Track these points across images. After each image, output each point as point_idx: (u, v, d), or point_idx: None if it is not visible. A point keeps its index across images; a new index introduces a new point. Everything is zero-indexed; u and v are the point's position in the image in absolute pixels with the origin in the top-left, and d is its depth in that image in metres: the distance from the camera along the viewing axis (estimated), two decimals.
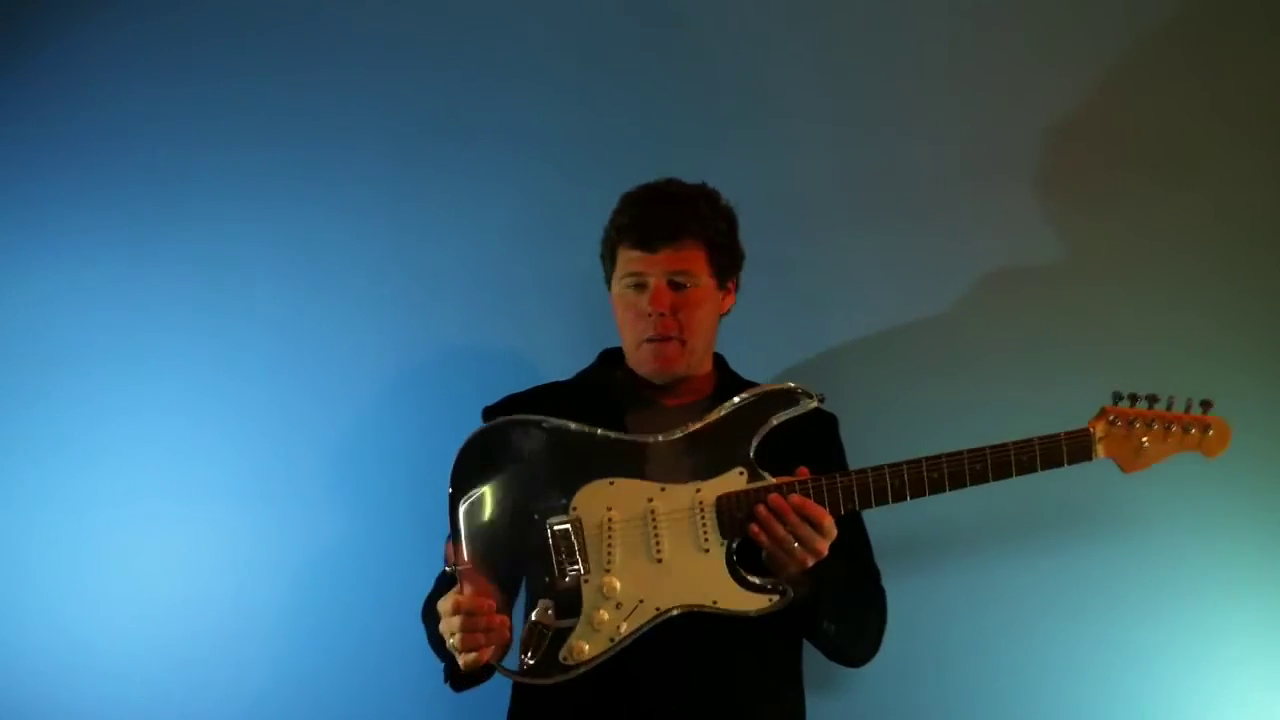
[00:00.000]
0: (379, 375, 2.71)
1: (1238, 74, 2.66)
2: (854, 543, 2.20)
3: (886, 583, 2.26)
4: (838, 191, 2.70)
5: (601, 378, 2.28)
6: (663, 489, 2.07)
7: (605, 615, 2.04)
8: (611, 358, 2.31)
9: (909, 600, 2.35)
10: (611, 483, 2.08)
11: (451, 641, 2.02)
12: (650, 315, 2.14)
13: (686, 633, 2.07)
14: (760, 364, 2.42)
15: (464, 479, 2.09)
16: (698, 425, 2.08)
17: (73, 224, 2.71)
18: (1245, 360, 2.61)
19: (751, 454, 2.06)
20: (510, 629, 2.06)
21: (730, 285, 2.24)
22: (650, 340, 2.16)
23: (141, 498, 2.69)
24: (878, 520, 2.23)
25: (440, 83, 2.75)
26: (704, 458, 2.07)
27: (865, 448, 2.28)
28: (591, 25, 2.75)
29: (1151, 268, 2.65)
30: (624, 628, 2.05)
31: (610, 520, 2.06)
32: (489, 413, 2.24)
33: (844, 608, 2.13)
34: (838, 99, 2.72)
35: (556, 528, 2.06)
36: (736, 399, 2.08)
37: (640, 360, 2.19)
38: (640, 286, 2.16)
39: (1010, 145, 2.68)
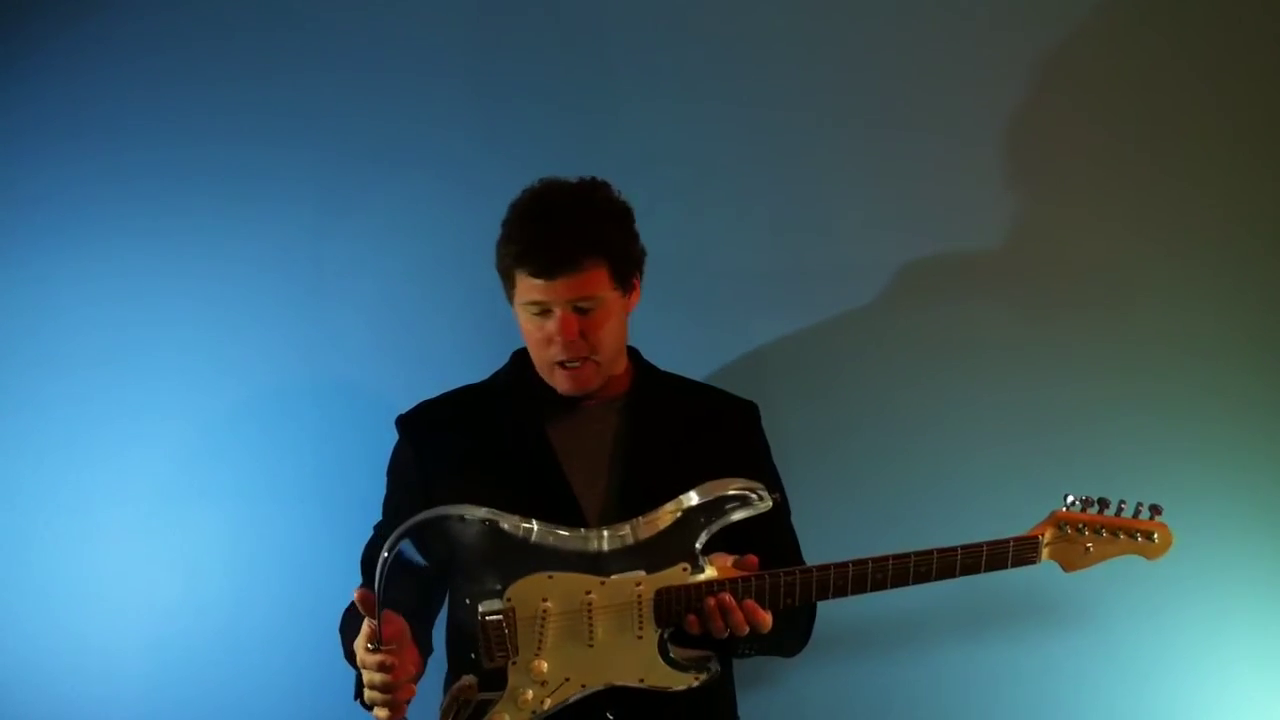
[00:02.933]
0: (381, 375, 2.71)
1: (1238, 71, 2.66)
2: (779, 539, 2.18)
3: None
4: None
5: (517, 381, 2.24)
6: (603, 583, 2.03)
7: (530, 694, 2.02)
8: (525, 358, 2.24)
9: None
10: (550, 576, 2.03)
11: (370, 694, 1.97)
12: (558, 342, 2.10)
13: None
14: (679, 356, 2.39)
15: (400, 559, 1.99)
16: (646, 522, 2.06)
17: (71, 223, 2.70)
18: (1245, 360, 2.61)
19: (698, 548, 2.03)
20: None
21: (634, 283, 2.18)
22: (562, 365, 2.13)
23: (142, 497, 2.69)
24: None
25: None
26: (649, 551, 2.04)
27: (789, 435, 2.35)
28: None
29: (1151, 267, 2.65)
30: (548, 703, 2.02)
31: (545, 611, 2.02)
32: (401, 421, 2.23)
33: (761, 636, 2.08)
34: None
35: (489, 616, 2.01)
36: (692, 502, 2.04)
37: (555, 382, 2.15)
38: (544, 314, 2.11)
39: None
